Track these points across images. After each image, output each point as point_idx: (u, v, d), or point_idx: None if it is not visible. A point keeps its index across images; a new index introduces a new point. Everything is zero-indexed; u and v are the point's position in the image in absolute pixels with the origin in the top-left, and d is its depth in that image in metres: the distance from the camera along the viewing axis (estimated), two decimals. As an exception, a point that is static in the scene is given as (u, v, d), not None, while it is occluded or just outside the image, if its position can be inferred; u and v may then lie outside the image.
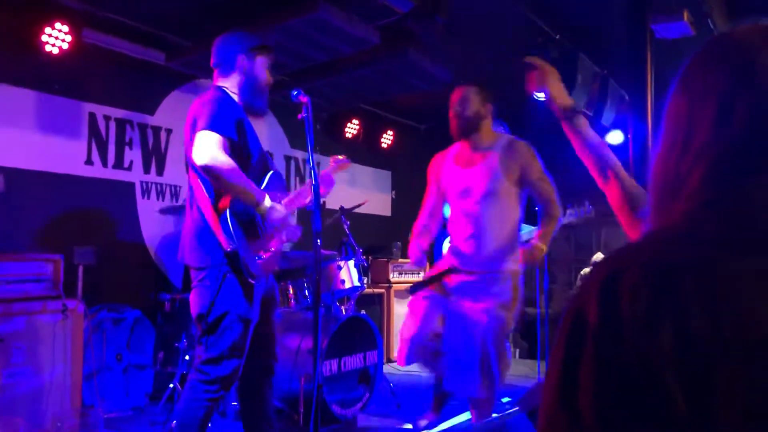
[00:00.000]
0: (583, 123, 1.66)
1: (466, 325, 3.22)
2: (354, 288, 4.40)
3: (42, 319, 3.60)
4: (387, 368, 5.59)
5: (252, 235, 2.72)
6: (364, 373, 4.27)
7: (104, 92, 4.76)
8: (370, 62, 5.01)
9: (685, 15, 3.96)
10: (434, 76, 5.36)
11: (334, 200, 5.75)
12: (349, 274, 4.38)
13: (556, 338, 0.70)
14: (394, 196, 7.75)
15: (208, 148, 2.52)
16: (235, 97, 2.82)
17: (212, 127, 2.55)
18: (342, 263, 4.38)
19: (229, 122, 2.63)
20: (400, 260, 6.66)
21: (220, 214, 2.62)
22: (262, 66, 2.89)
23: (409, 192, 7.68)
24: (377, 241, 6.51)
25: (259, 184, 2.81)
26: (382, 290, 6.30)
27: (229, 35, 2.92)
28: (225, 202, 2.63)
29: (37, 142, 4.40)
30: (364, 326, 4.29)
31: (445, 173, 3.53)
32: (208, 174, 2.55)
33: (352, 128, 6.75)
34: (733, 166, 0.72)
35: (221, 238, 2.61)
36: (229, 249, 2.60)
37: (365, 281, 4.61)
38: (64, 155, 4.55)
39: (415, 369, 5.97)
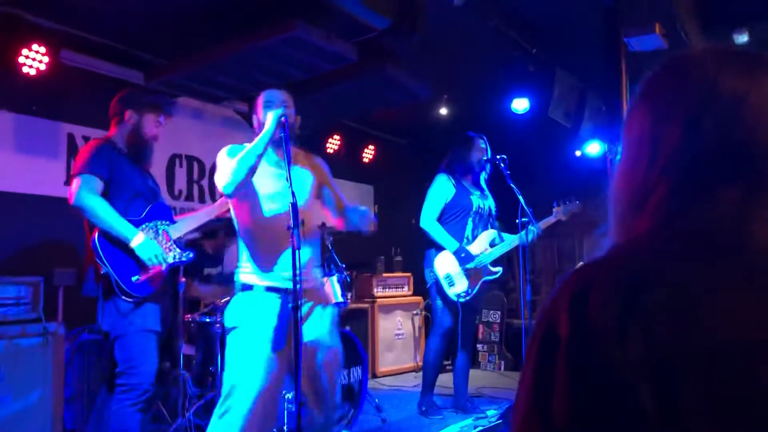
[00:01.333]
0: None
1: None
2: (338, 304, 4.39)
3: (22, 343, 3.55)
4: (372, 383, 5.58)
5: (132, 257, 3.06)
6: (348, 390, 4.25)
7: (82, 113, 4.74)
8: (349, 78, 5.03)
9: (657, 28, 4.02)
10: (413, 91, 5.39)
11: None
12: (332, 290, 4.37)
13: (528, 348, 0.72)
14: (376, 211, 7.72)
15: (76, 191, 2.99)
16: (119, 146, 3.27)
17: (83, 170, 3.03)
18: (325, 279, 4.37)
19: (102, 166, 3.07)
20: (384, 275, 6.66)
21: (93, 240, 3.03)
22: (150, 122, 3.32)
23: (392, 206, 7.70)
24: (361, 256, 6.51)
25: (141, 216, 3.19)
26: (367, 305, 6.30)
27: (125, 92, 3.44)
28: (95, 228, 3.05)
29: (15, 163, 4.37)
30: (348, 342, 4.28)
31: None
32: (79, 212, 3.02)
33: (333, 144, 6.77)
34: (697, 180, 0.75)
35: (97, 262, 3.02)
36: (102, 272, 3.01)
37: (349, 296, 4.60)
38: (43, 176, 4.52)
39: (399, 383, 5.97)
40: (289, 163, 2.61)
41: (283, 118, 2.66)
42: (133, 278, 3.04)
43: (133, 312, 3.05)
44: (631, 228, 0.79)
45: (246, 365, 2.58)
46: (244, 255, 2.79)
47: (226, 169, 2.62)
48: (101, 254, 2.99)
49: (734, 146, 0.74)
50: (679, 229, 0.74)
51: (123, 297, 3.02)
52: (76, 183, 3.04)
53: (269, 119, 2.68)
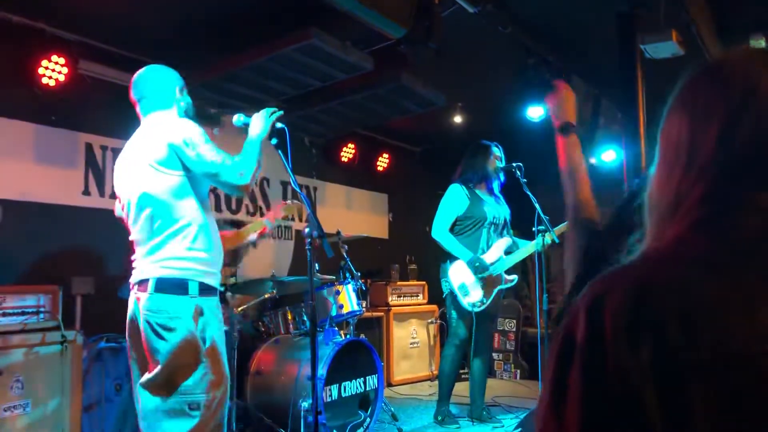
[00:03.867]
0: (573, 140, 1.82)
1: None
2: (352, 312, 4.39)
3: (40, 351, 3.58)
4: (387, 392, 5.56)
5: None
6: (364, 398, 4.25)
7: (100, 122, 4.79)
8: (364, 87, 5.05)
9: (674, 35, 4.00)
10: (428, 99, 5.41)
11: (331, 224, 5.77)
12: (347, 299, 4.38)
13: (548, 356, 0.73)
14: (391, 219, 7.76)
15: None
16: None
17: None
18: (340, 287, 4.38)
19: None
20: (399, 283, 6.65)
21: None
22: None
23: (406, 214, 7.70)
24: (375, 264, 6.52)
25: None
26: (381, 313, 6.29)
27: None
28: None
29: (34, 173, 4.42)
30: (363, 350, 4.28)
31: None
32: None
33: (347, 152, 6.79)
34: (730, 185, 0.74)
35: None
36: None
37: (364, 305, 4.60)
38: (61, 186, 4.57)
39: (415, 392, 5.95)
40: (291, 167, 2.64)
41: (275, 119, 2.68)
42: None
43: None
44: (663, 234, 0.79)
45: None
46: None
47: (245, 164, 2.57)
48: None
49: None
50: (705, 235, 0.73)
51: None
52: None
53: (261, 119, 2.70)
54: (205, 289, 2.50)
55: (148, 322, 2.43)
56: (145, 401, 2.47)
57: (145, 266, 2.51)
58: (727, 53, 0.83)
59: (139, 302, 2.49)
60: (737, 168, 0.74)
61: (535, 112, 5.41)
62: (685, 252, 0.72)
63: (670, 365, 0.62)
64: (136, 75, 2.79)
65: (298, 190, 2.68)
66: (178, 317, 2.41)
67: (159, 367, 2.40)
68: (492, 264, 4.47)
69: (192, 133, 2.52)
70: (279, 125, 2.69)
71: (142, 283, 2.49)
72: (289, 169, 2.65)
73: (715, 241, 0.72)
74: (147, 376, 2.47)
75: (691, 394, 0.61)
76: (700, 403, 0.61)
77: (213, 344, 2.49)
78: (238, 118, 2.86)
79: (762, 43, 4.76)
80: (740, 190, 0.73)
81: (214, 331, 2.51)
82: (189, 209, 2.52)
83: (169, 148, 2.49)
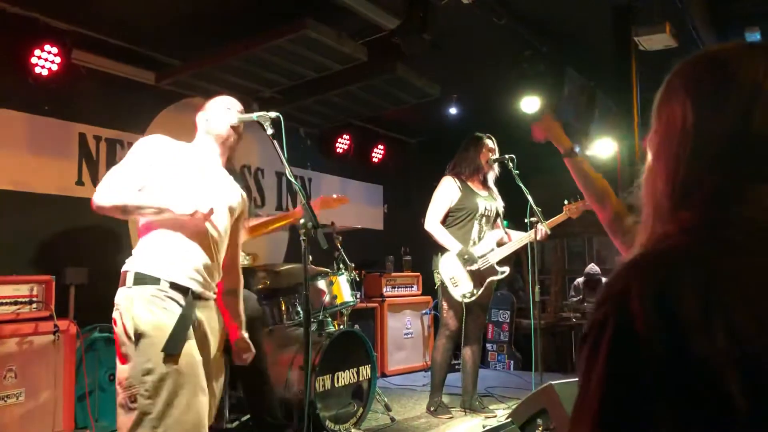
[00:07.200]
0: (580, 160, 2.07)
1: None
2: (346, 303, 4.40)
3: (34, 341, 3.59)
4: (381, 382, 5.58)
5: None
6: (357, 388, 4.26)
7: (94, 112, 4.78)
8: (359, 78, 5.04)
9: (667, 28, 4.01)
10: (423, 91, 5.41)
11: (326, 215, 5.77)
12: (341, 289, 4.39)
13: (590, 339, 0.73)
14: (386, 210, 7.77)
15: None
16: None
17: None
18: (334, 278, 4.39)
19: None
20: (393, 274, 6.67)
21: None
22: None
23: (401, 206, 7.71)
24: (370, 255, 6.52)
25: None
26: (375, 304, 6.30)
27: None
28: None
29: (27, 163, 4.41)
30: (357, 341, 4.29)
31: None
32: None
33: (343, 143, 6.78)
34: (749, 174, 0.76)
35: None
36: None
37: (358, 296, 4.61)
38: (55, 176, 4.56)
39: (408, 383, 5.98)
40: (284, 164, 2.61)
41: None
42: None
43: None
44: (669, 220, 0.80)
45: None
46: None
47: (113, 191, 2.40)
48: None
49: None
50: (722, 221, 0.75)
51: None
52: None
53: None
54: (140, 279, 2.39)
55: None
56: None
57: None
58: (726, 46, 0.84)
59: None
60: (753, 158, 0.76)
61: (529, 104, 5.41)
62: (729, 239, 0.73)
63: (745, 351, 0.64)
64: None
65: (293, 180, 2.67)
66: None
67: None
68: (482, 256, 4.48)
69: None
70: (272, 114, 2.66)
71: None
72: (284, 159, 2.63)
73: (731, 227, 0.73)
74: None
75: (721, 388, 0.63)
76: (727, 397, 0.63)
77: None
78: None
79: (758, 36, 4.77)
80: (756, 179, 0.75)
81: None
82: None
83: None
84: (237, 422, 4.08)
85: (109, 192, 2.37)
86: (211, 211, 2.39)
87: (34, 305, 3.67)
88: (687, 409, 0.64)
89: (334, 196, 4.12)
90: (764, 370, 0.63)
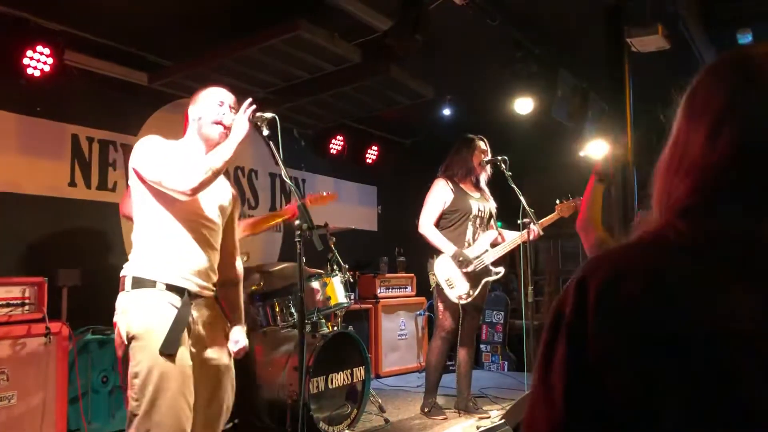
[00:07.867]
0: (601, 186, 2.57)
1: None
2: (340, 304, 4.40)
3: (26, 343, 3.57)
4: (375, 384, 5.58)
5: None
6: (351, 390, 4.26)
7: (87, 113, 4.77)
8: (353, 79, 5.04)
9: (660, 29, 4.02)
10: (417, 92, 5.41)
11: (319, 216, 5.76)
12: (335, 291, 4.38)
13: (543, 330, 0.79)
14: (380, 211, 7.77)
15: None
16: None
17: None
18: (328, 279, 4.39)
19: None
20: (388, 275, 6.67)
21: None
22: None
23: (395, 207, 7.71)
24: (364, 256, 6.52)
25: None
26: (370, 306, 6.30)
27: None
28: None
29: (20, 164, 4.39)
30: (351, 342, 4.29)
31: None
32: None
33: (336, 144, 6.77)
34: (714, 184, 0.76)
35: None
36: None
37: (352, 297, 4.61)
38: (48, 177, 4.54)
39: (402, 384, 5.98)
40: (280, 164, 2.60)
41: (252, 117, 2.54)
42: None
43: None
44: (656, 221, 0.82)
45: None
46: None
47: (189, 172, 2.38)
48: None
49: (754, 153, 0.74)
50: (687, 226, 0.75)
51: None
52: None
53: (241, 121, 2.50)
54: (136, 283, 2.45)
55: None
56: None
57: None
58: (736, 49, 0.84)
59: None
60: (719, 167, 0.75)
61: (523, 105, 5.42)
62: (667, 238, 0.75)
63: (639, 340, 0.68)
64: None
65: (288, 181, 2.66)
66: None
67: None
68: (476, 257, 4.49)
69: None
70: (268, 115, 2.65)
71: None
72: (280, 160, 2.62)
73: (694, 231, 0.74)
74: None
75: (658, 371, 0.66)
76: (673, 380, 0.65)
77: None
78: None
79: (749, 38, 4.79)
80: (721, 189, 0.75)
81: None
82: None
83: None
84: (229, 424, 4.07)
85: (185, 173, 2.36)
86: (250, 104, 2.51)
87: (27, 307, 3.66)
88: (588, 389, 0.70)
89: (324, 193, 4.13)
90: (655, 364, 0.66)
